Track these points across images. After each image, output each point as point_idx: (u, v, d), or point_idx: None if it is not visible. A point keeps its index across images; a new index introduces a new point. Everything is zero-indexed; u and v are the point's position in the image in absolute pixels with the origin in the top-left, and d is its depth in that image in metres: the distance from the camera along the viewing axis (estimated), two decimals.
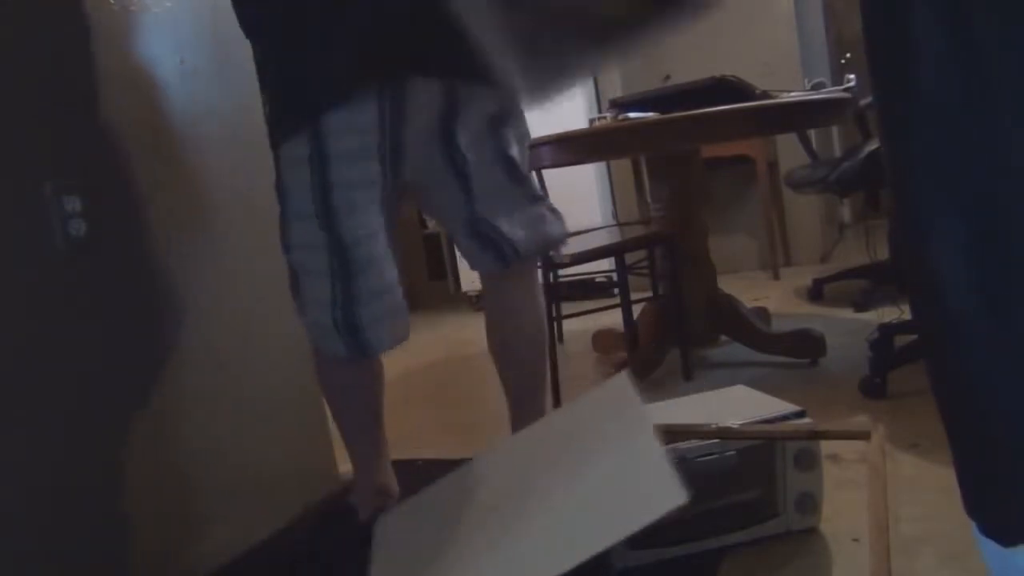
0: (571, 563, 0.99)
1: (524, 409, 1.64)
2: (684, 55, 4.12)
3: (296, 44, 1.36)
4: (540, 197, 1.59)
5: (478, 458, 1.46)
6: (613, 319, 2.77)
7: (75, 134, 1.35)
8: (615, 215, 4.18)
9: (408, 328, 1.47)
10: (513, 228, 1.51)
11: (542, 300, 1.68)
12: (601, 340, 2.91)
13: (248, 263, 1.72)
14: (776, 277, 3.85)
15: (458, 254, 4.24)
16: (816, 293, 3.28)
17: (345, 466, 1.98)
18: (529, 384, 1.65)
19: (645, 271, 2.84)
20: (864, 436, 1.17)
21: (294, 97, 1.38)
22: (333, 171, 1.35)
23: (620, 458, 1.15)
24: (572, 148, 2.33)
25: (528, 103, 1.41)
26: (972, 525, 0.71)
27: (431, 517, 1.36)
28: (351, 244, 1.37)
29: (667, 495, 0.99)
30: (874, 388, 1.92)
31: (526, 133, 1.59)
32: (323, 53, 1.35)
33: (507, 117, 1.52)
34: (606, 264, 3.63)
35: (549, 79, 0.97)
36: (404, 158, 1.43)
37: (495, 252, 1.51)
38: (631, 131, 2.22)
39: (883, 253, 3.18)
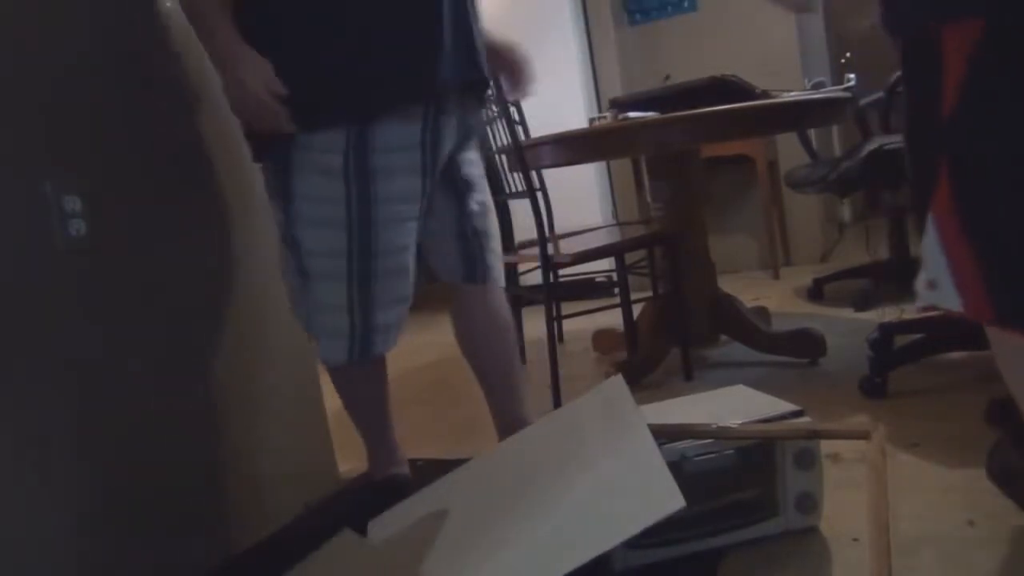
0: (570, 566, 0.99)
1: (508, 400, 1.72)
2: (684, 55, 4.13)
3: (340, 43, 1.37)
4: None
5: (475, 461, 1.47)
6: (613, 319, 2.77)
7: (75, 134, 1.35)
8: (615, 215, 4.18)
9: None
10: (492, 254, 1.67)
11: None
12: (601, 340, 2.91)
13: (248, 262, 1.72)
14: (776, 277, 3.84)
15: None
16: (816, 293, 3.28)
17: (345, 466, 1.98)
18: (510, 376, 1.73)
19: (645, 271, 2.84)
20: (864, 436, 1.17)
21: (334, 98, 1.39)
22: (383, 185, 1.42)
23: (618, 462, 1.15)
24: (572, 148, 2.33)
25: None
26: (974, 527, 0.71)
27: (428, 519, 1.36)
28: (382, 252, 1.45)
29: (665, 499, 0.99)
30: (874, 388, 1.92)
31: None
32: (378, 57, 1.38)
33: (476, 147, 1.69)
34: (606, 264, 3.63)
35: None
36: (436, 176, 1.54)
37: (470, 268, 1.65)
38: (631, 131, 2.22)
39: (883, 252, 3.18)
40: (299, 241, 1.44)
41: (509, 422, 1.70)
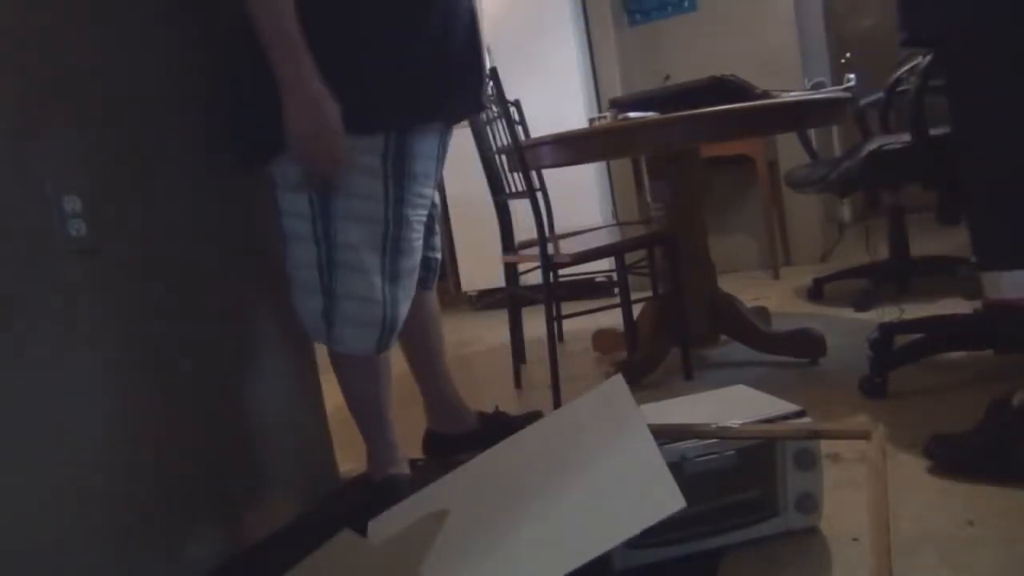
0: (571, 566, 0.99)
1: (442, 380, 1.98)
2: (684, 55, 4.13)
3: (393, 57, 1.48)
4: None
5: (475, 461, 1.47)
6: (613, 319, 2.77)
7: (75, 134, 1.35)
8: (615, 215, 4.18)
9: None
10: (436, 263, 1.88)
11: None
12: (601, 340, 2.91)
13: (248, 262, 1.72)
14: (776, 277, 3.85)
15: (456, 256, 4.29)
16: (816, 293, 3.28)
17: (345, 466, 1.98)
18: (443, 360, 1.99)
19: (645, 271, 2.84)
20: (864, 436, 1.17)
21: (383, 106, 1.49)
22: (413, 188, 1.55)
23: (619, 463, 1.15)
24: (572, 148, 2.33)
25: None
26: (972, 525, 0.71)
27: (428, 519, 1.36)
28: (407, 251, 1.58)
29: (665, 499, 0.99)
30: (874, 388, 1.92)
31: None
32: (419, 72, 1.51)
33: None
34: (606, 264, 3.63)
35: None
36: None
37: (425, 277, 1.80)
38: (631, 131, 2.22)
39: (883, 252, 3.18)
40: (334, 234, 1.52)
41: (442, 397, 1.96)
